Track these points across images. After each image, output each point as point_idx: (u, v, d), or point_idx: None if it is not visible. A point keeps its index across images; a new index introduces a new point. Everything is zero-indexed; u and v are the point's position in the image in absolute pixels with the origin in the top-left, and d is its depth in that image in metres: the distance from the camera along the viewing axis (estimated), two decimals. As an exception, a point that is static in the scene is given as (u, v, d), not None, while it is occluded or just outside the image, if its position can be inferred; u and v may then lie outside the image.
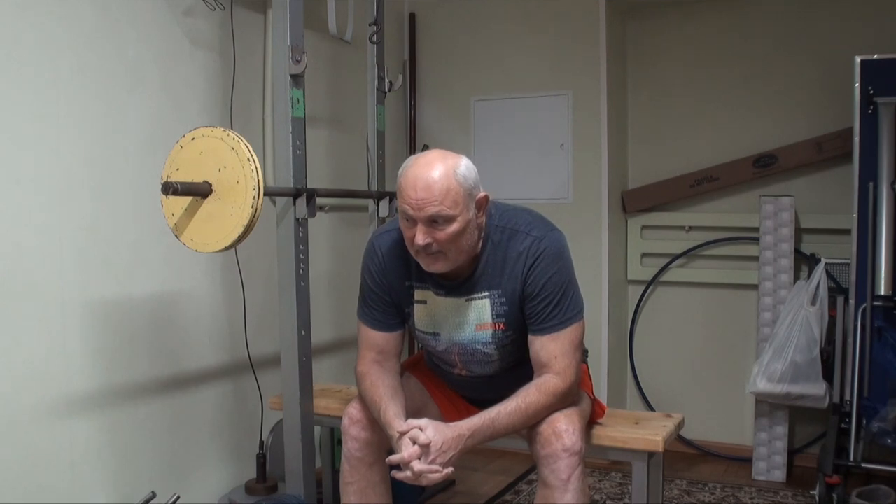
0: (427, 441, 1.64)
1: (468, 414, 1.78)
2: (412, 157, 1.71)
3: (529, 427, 1.77)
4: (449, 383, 2.04)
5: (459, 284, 1.80)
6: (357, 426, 1.88)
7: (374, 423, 1.84)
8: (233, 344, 2.70)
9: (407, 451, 1.64)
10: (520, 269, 1.75)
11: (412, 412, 1.84)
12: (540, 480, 1.75)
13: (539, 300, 1.75)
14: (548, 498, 1.71)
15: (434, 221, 1.64)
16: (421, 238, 1.65)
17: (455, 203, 1.64)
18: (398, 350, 1.92)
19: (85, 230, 2.20)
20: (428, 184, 1.62)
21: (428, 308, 1.85)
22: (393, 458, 1.68)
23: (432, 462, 1.64)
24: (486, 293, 1.79)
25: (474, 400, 1.99)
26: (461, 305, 1.81)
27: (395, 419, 1.73)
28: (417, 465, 1.63)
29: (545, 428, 1.73)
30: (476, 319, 1.81)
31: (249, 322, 2.67)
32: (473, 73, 3.59)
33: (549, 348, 1.75)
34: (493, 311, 1.80)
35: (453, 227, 1.65)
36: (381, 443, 1.86)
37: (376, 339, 1.89)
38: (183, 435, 2.53)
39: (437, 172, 1.64)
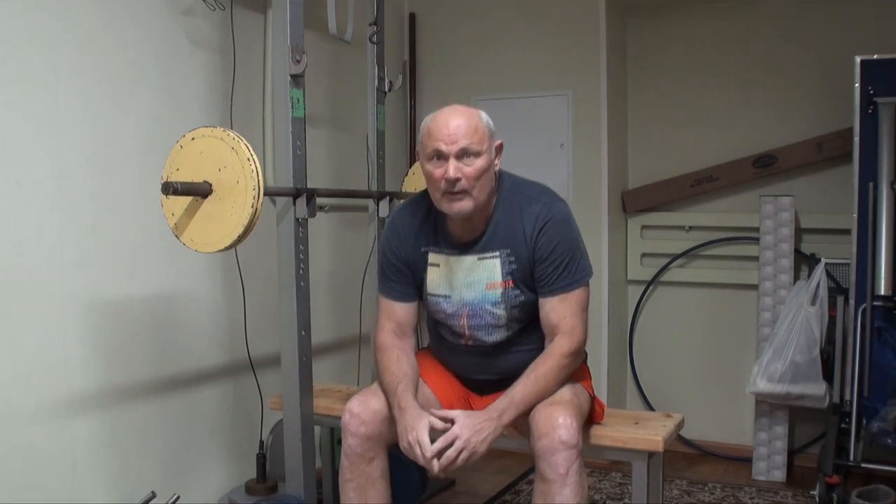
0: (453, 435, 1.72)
1: (468, 405, 1.92)
2: (433, 113, 1.88)
3: (527, 420, 1.78)
4: (451, 363, 2.06)
5: (472, 243, 1.91)
6: (356, 420, 1.88)
7: (374, 419, 1.86)
8: (233, 344, 2.70)
9: (442, 443, 1.72)
10: (530, 231, 1.86)
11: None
12: (538, 475, 1.75)
13: (549, 262, 1.85)
14: (546, 492, 1.71)
15: (464, 155, 1.79)
16: (452, 171, 1.77)
17: (482, 140, 1.80)
18: (414, 322, 2.02)
19: (85, 230, 2.20)
20: (459, 122, 1.80)
21: (441, 270, 1.95)
22: (436, 446, 1.72)
23: (473, 448, 1.71)
24: (497, 252, 1.89)
25: (473, 381, 2.03)
26: (473, 264, 1.91)
27: (411, 400, 1.81)
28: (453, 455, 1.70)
29: (543, 422, 1.73)
30: (487, 278, 1.90)
31: (249, 322, 2.67)
32: (473, 73, 3.59)
33: (559, 309, 1.85)
34: (503, 269, 1.89)
35: (480, 163, 1.80)
36: (381, 438, 1.88)
37: (394, 310, 1.99)
38: (183, 435, 2.53)
39: (464, 114, 1.82)
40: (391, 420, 1.85)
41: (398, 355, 1.92)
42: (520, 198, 1.90)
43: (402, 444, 1.78)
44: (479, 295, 1.90)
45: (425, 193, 1.97)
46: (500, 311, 1.90)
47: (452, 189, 1.79)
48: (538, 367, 1.82)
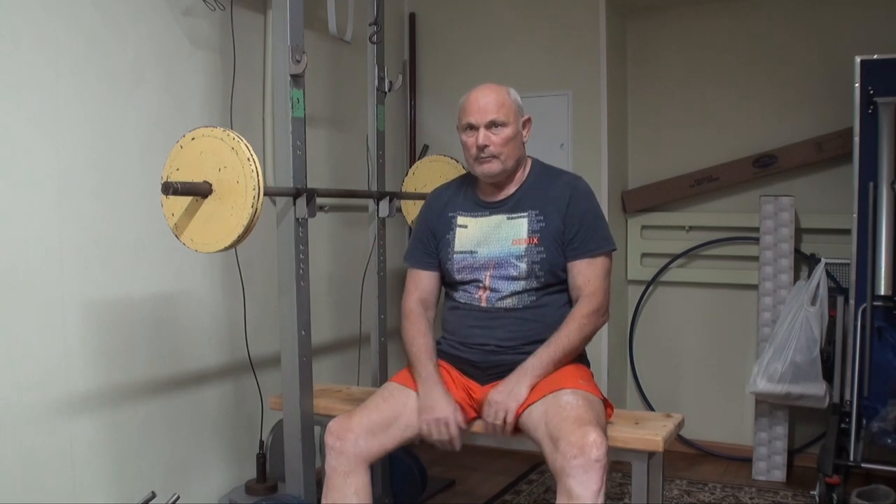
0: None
1: (471, 400, 2.01)
2: (469, 91, 2.09)
3: (554, 439, 1.75)
4: (458, 331, 2.10)
5: (502, 203, 2.12)
6: (332, 436, 1.91)
7: (350, 433, 1.89)
8: (233, 344, 2.70)
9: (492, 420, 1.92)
10: (563, 195, 2.07)
11: (392, 418, 1.96)
12: (563, 493, 1.70)
13: (579, 224, 2.04)
14: None
15: (493, 126, 2.03)
16: (482, 138, 2.03)
17: (508, 113, 2.05)
18: (436, 294, 2.21)
19: (85, 230, 2.20)
20: (487, 99, 2.05)
21: (469, 230, 2.13)
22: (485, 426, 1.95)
23: (506, 406, 1.89)
24: (525, 213, 2.08)
25: (476, 352, 2.05)
26: (502, 223, 2.09)
27: (436, 376, 2.00)
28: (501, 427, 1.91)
29: (577, 438, 1.70)
30: (513, 235, 2.07)
31: (249, 322, 2.67)
32: (473, 73, 3.58)
33: (585, 272, 2.03)
34: (529, 227, 2.07)
35: (506, 131, 2.04)
36: (358, 454, 1.88)
37: (420, 279, 2.19)
38: (183, 435, 2.53)
39: (493, 91, 2.07)
40: (371, 434, 1.90)
41: (425, 329, 2.11)
42: (551, 171, 2.17)
43: (425, 422, 1.93)
44: (506, 249, 2.06)
45: (461, 176, 2.27)
46: (523, 265, 2.04)
47: (482, 154, 2.04)
48: (561, 329, 1.98)
